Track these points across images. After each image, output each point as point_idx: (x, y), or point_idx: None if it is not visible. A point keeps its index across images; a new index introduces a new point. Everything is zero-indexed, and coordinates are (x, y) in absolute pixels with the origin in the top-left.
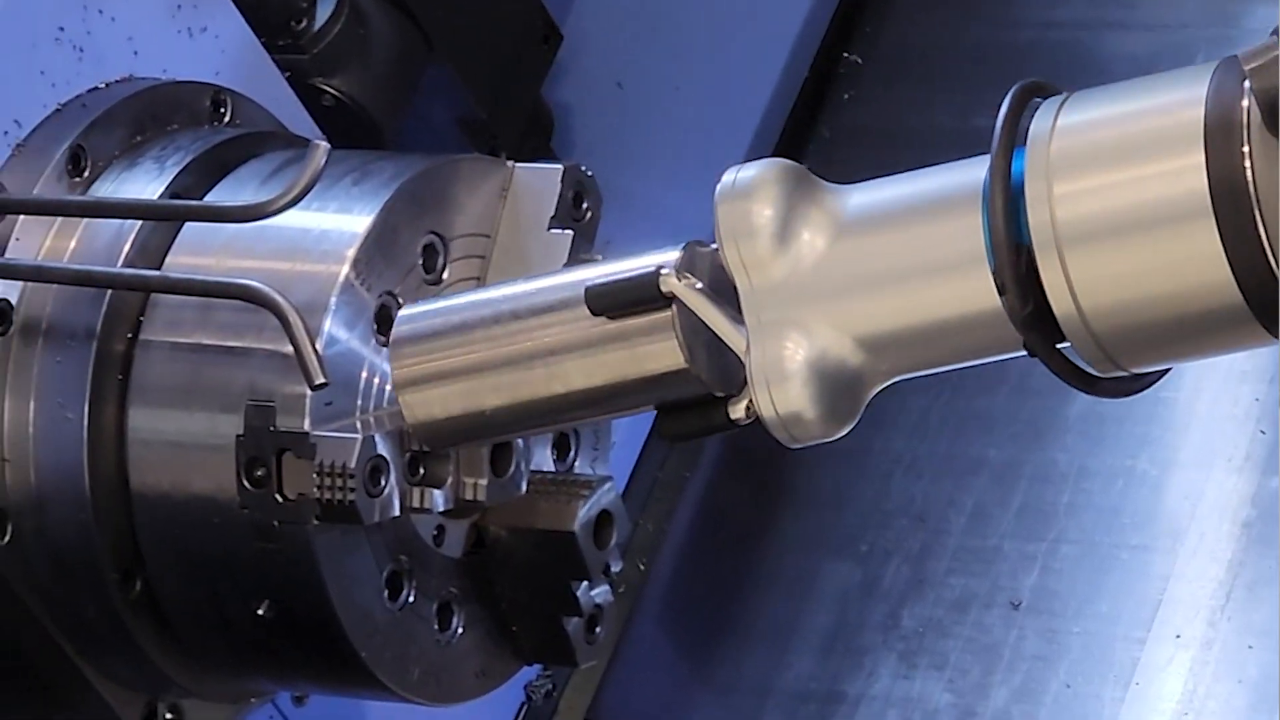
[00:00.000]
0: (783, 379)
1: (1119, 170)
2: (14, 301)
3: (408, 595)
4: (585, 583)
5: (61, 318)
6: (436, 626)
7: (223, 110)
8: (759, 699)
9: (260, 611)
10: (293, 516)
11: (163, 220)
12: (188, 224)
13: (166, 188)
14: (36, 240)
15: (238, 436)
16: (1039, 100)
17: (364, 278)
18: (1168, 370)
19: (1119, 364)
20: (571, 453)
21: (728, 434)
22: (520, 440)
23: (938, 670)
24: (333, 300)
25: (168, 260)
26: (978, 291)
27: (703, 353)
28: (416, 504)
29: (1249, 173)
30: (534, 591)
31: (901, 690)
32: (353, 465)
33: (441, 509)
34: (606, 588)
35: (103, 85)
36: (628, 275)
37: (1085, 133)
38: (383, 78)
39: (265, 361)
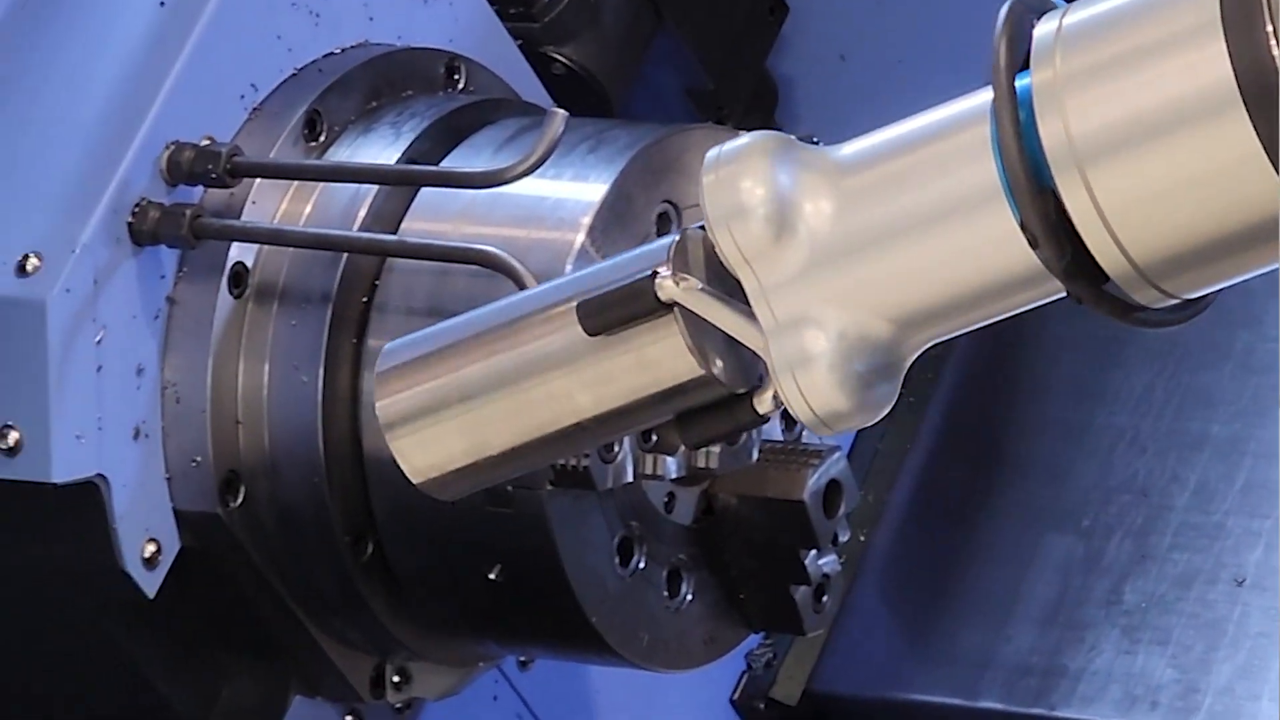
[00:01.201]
0: (811, 373)
1: (1135, 73)
2: (250, 265)
3: (638, 561)
4: (813, 551)
5: (297, 281)
6: (666, 593)
7: (456, 77)
8: (978, 671)
9: (491, 576)
10: (526, 481)
11: (400, 185)
12: (423, 190)
13: (402, 153)
14: (272, 204)
15: None
16: (1035, 17)
17: (599, 245)
18: (1219, 291)
19: (1167, 289)
20: (799, 422)
21: (946, 406)
22: None
23: (1160, 646)
24: (568, 268)
25: (403, 226)
26: (1008, 249)
27: (716, 353)
28: (649, 471)
29: (1277, 57)
30: (762, 559)
31: (1123, 666)
32: None
33: (674, 476)
34: (834, 557)
35: (338, 51)
36: (620, 285)
37: (1092, 39)
38: (612, 46)
39: None
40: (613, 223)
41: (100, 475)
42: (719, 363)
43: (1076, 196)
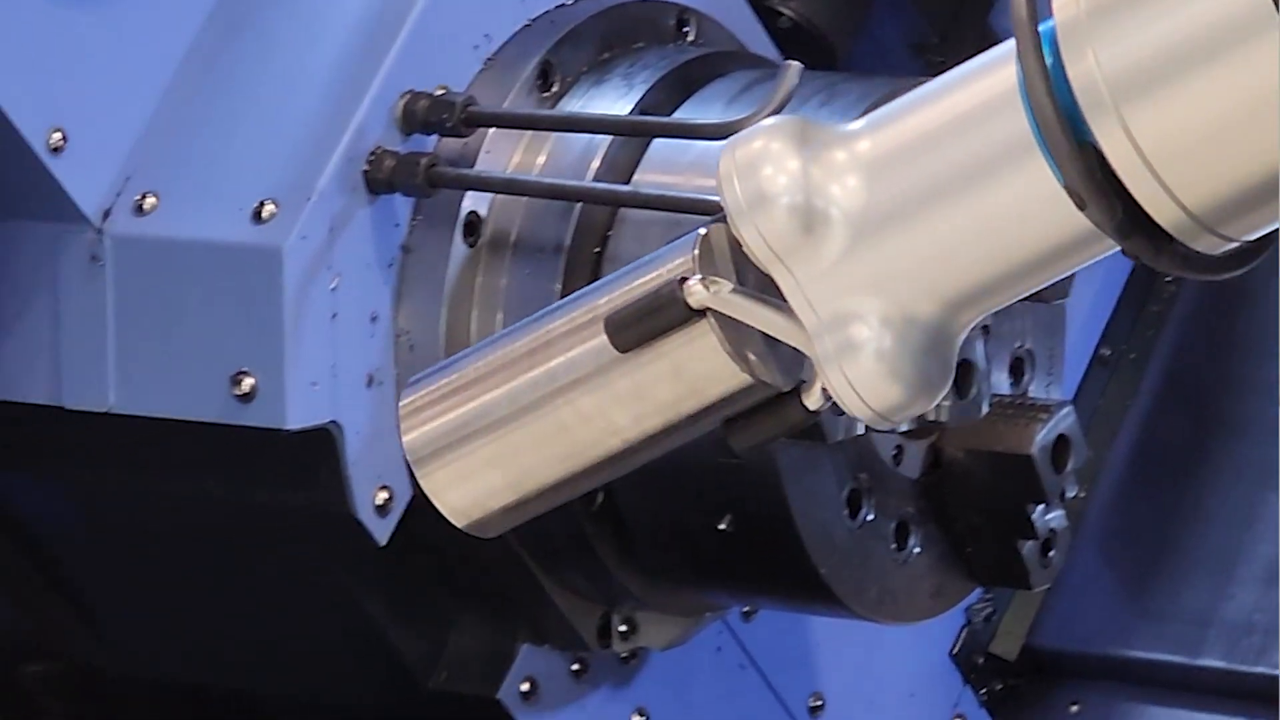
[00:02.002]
0: (859, 366)
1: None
2: (483, 214)
3: (867, 514)
4: (1040, 506)
5: (530, 231)
6: (894, 546)
7: (686, 29)
8: (1199, 629)
9: (721, 526)
10: None
11: (635, 136)
12: (655, 141)
13: (635, 105)
14: (505, 154)
15: None
16: None
17: None
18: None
19: (1227, 234)
20: (1026, 376)
21: (1166, 362)
22: (982, 361)
23: None
24: None
25: (635, 177)
26: (1055, 212)
27: (756, 354)
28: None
29: None
30: (990, 513)
31: None
32: None
33: (904, 429)
34: (1061, 512)
35: (570, 2)
36: (647, 296)
37: None
38: (839, 0)
39: None
40: None
41: (334, 422)
42: (760, 364)
43: (1116, 143)
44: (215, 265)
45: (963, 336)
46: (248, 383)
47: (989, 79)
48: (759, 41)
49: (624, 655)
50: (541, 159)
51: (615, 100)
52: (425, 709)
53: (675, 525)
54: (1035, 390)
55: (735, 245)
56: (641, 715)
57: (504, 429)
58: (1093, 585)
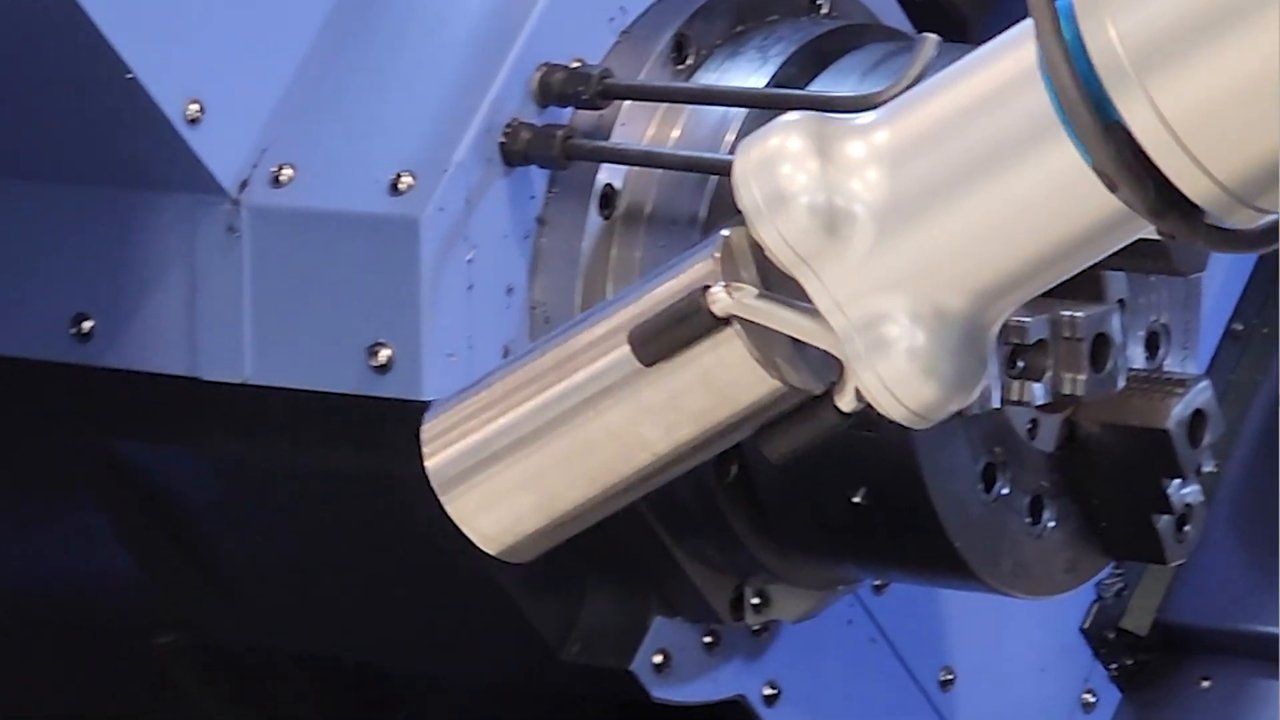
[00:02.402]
0: (892, 366)
1: None
2: (618, 186)
3: (1001, 487)
4: (1176, 481)
5: (666, 204)
6: (1028, 520)
7: (820, 3)
8: None
9: (855, 499)
10: None
11: (770, 109)
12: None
13: (770, 78)
14: (641, 127)
15: None
16: None
17: None
18: None
19: (1263, 206)
20: (1162, 350)
21: None
22: (1118, 335)
23: None
24: None
25: None
26: (1084, 195)
27: (785, 360)
28: (1015, 397)
29: None
30: (1125, 488)
31: None
32: None
33: (1039, 403)
34: (1197, 487)
35: None
36: (670, 307)
37: None
38: None
39: None
40: None
41: None
42: (789, 369)
43: (1143, 119)
44: (352, 237)
45: (995, 330)
46: (384, 354)
47: (1008, 60)
48: (892, 14)
49: (756, 628)
50: (676, 132)
51: (750, 73)
52: (558, 681)
53: (809, 497)
54: (1171, 364)
55: (758, 248)
56: (773, 688)
57: (530, 449)
58: (1225, 560)
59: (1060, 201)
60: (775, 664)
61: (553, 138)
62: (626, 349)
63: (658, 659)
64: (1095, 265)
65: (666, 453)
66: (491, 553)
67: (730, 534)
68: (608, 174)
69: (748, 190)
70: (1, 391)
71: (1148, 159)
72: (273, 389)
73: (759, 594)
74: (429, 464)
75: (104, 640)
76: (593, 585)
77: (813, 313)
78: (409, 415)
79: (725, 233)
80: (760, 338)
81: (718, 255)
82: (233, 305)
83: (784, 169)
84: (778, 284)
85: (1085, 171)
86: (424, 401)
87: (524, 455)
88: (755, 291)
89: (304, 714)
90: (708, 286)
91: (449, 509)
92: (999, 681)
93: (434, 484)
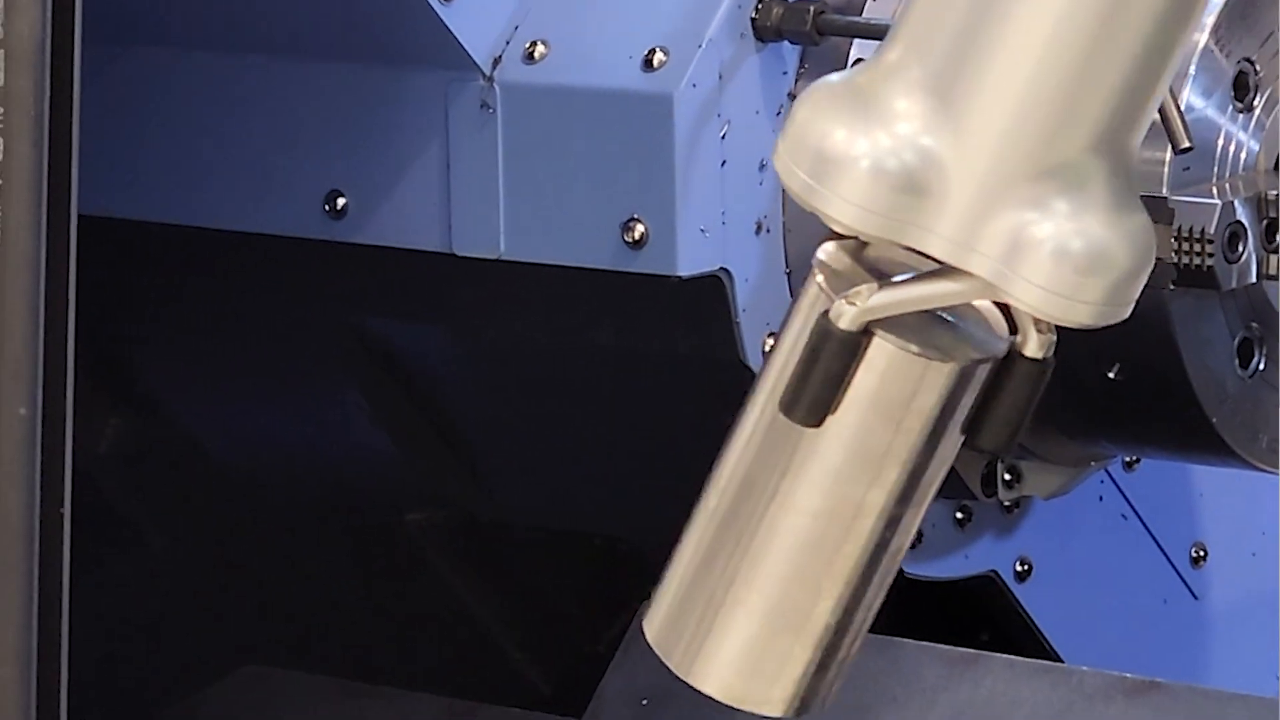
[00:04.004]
0: (1061, 272)
1: None
2: None
3: (1258, 363)
4: None
5: None
6: None
7: None
8: None
9: (1110, 375)
10: (1149, 280)
11: None
12: None
13: None
14: (892, 2)
15: None
16: None
17: (1223, 44)
18: None
19: None
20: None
21: None
22: None
23: None
24: (1192, 67)
25: None
26: None
27: (945, 337)
28: (1273, 271)
29: None
30: None
31: None
32: (1211, 230)
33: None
34: None
35: None
36: (803, 356)
37: None
38: None
39: None
40: (1237, 21)
41: (724, 269)
42: (955, 344)
43: None
44: (606, 113)
45: (1135, 161)
46: (639, 229)
47: None
48: None
49: (1007, 504)
50: None
51: None
52: None
53: (1064, 373)
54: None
55: (856, 249)
56: (1024, 564)
57: (753, 587)
58: None
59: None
60: (1027, 540)
61: (805, 13)
62: (787, 423)
63: None
64: None
65: (886, 505)
66: (791, 716)
67: None
68: (859, 49)
69: (799, 181)
70: (256, 269)
71: None
72: (526, 265)
73: (1011, 470)
74: (680, 672)
75: (354, 517)
76: None
77: (945, 272)
78: (663, 291)
79: (818, 255)
80: (908, 330)
81: (819, 278)
82: (486, 181)
83: (832, 139)
84: (891, 272)
85: None
86: (678, 277)
87: (751, 597)
88: (875, 286)
89: (553, 592)
90: (826, 311)
91: (724, 700)
92: (1250, 558)
93: (696, 684)
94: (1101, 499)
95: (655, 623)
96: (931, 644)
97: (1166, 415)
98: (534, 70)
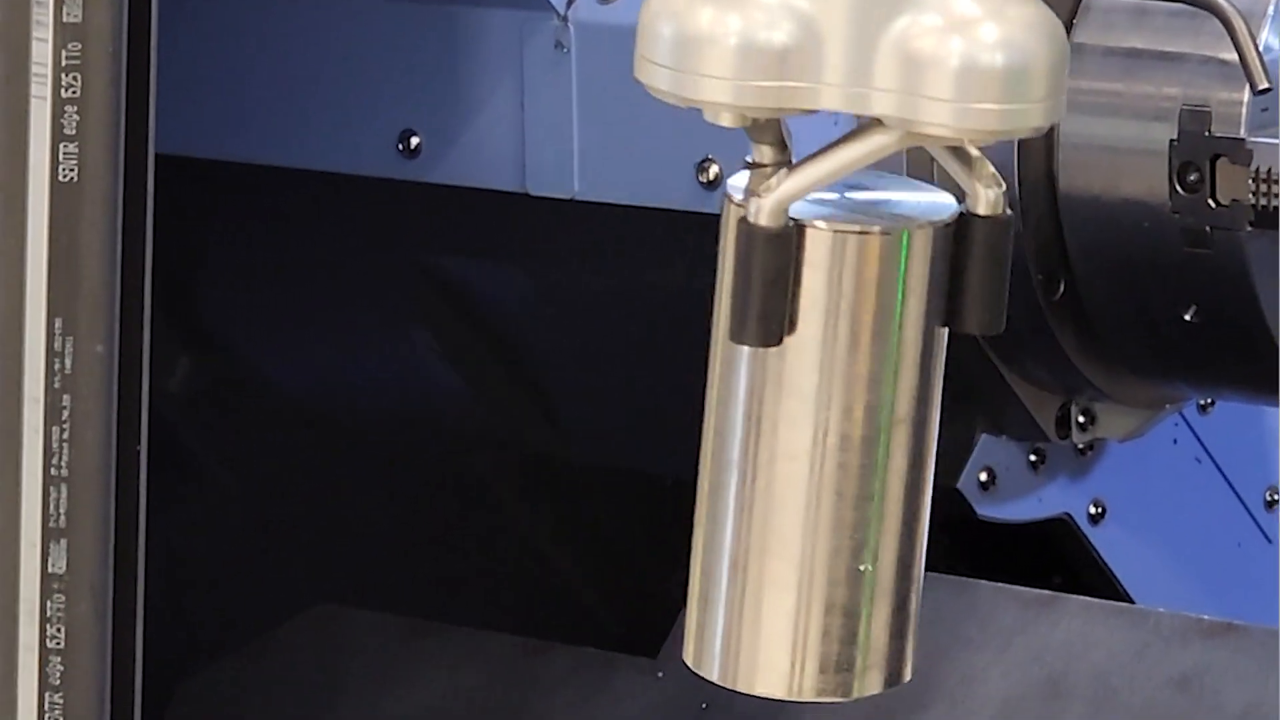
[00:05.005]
0: (962, 77)
1: None
2: None
3: None
4: None
5: None
6: None
7: None
8: None
9: (1187, 317)
10: (1225, 222)
11: None
12: None
13: None
14: None
15: (1171, 141)
16: None
17: None
18: None
19: None
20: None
21: None
22: None
23: None
24: (1271, 8)
25: None
26: None
27: (885, 218)
28: None
29: None
30: None
31: None
32: None
33: None
34: None
35: None
36: (734, 268)
37: None
38: None
39: (1201, 67)
40: None
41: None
42: (899, 219)
43: None
44: None
45: None
46: (713, 170)
47: None
48: None
49: (1081, 446)
50: None
51: None
52: None
53: (1139, 315)
54: None
55: (759, 176)
56: (1097, 506)
57: (771, 558)
58: None
59: None
60: (1100, 483)
61: None
62: (747, 350)
63: (983, 476)
64: None
65: (880, 423)
66: (876, 689)
67: (1058, 352)
68: None
69: (664, 74)
70: (329, 209)
71: None
72: (601, 205)
73: (1085, 412)
74: (730, 683)
75: (425, 457)
76: None
77: (852, 133)
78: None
79: (726, 187)
80: (848, 220)
81: (729, 194)
82: (561, 121)
83: (695, 23)
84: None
85: None
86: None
87: (777, 572)
88: (784, 172)
89: (625, 534)
90: (744, 210)
91: (789, 697)
92: None
93: (753, 690)
94: (1176, 442)
95: (690, 642)
96: (1007, 585)
97: (1242, 357)
98: (609, 10)
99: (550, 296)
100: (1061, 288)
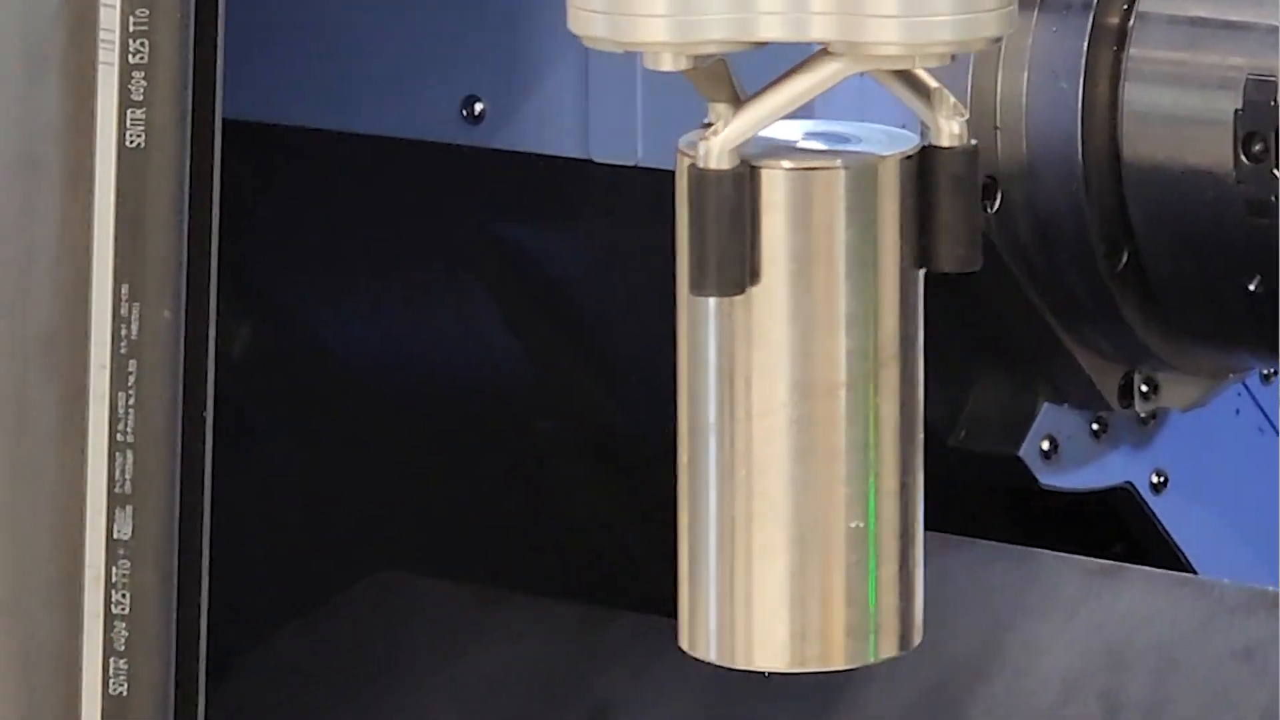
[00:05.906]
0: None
1: None
2: None
3: None
4: None
5: None
6: None
7: None
8: None
9: (1250, 286)
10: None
11: None
12: None
13: None
14: None
15: (1236, 111)
16: None
17: None
18: None
19: None
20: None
21: None
22: None
23: None
24: None
25: None
26: None
27: (846, 155)
28: None
29: None
30: None
31: None
32: None
33: None
34: None
35: None
36: (690, 217)
37: None
38: None
39: (1265, 37)
40: None
41: None
42: (858, 155)
43: None
44: None
45: None
46: None
47: None
48: None
49: (1144, 416)
50: None
51: None
52: (944, 467)
53: (1203, 284)
54: None
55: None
56: (1159, 475)
57: (759, 523)
58: None
59: None
60: (1163, 452)
61: None
62: (713, 305)
63: (1045, 445)
64: None
65: (859, 371)
66: (891, 652)
67: (1121, 321)
68: None
69: (598, 21)
70: (393, 173)
71: None
72: (665, 172)
73: (1147, 381)
74: (731, 661)
75: (484, 423)
76: (980, 372)
77: (797, 67)
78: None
79: (679, 144)
80: (790, 157)
81: (680, 149)
82: (624, 88)
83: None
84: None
85: None
86: None
87: (768, 537)
88: (730, 111)
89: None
90: (692, 160)
91: (791, 669)
92: None
93: (756, 665)
94: (1238, 412)
95: (683, 626)
96: (1070, 555)
97: None
98: None
99: (612, 263)
100: (1125, 258)
